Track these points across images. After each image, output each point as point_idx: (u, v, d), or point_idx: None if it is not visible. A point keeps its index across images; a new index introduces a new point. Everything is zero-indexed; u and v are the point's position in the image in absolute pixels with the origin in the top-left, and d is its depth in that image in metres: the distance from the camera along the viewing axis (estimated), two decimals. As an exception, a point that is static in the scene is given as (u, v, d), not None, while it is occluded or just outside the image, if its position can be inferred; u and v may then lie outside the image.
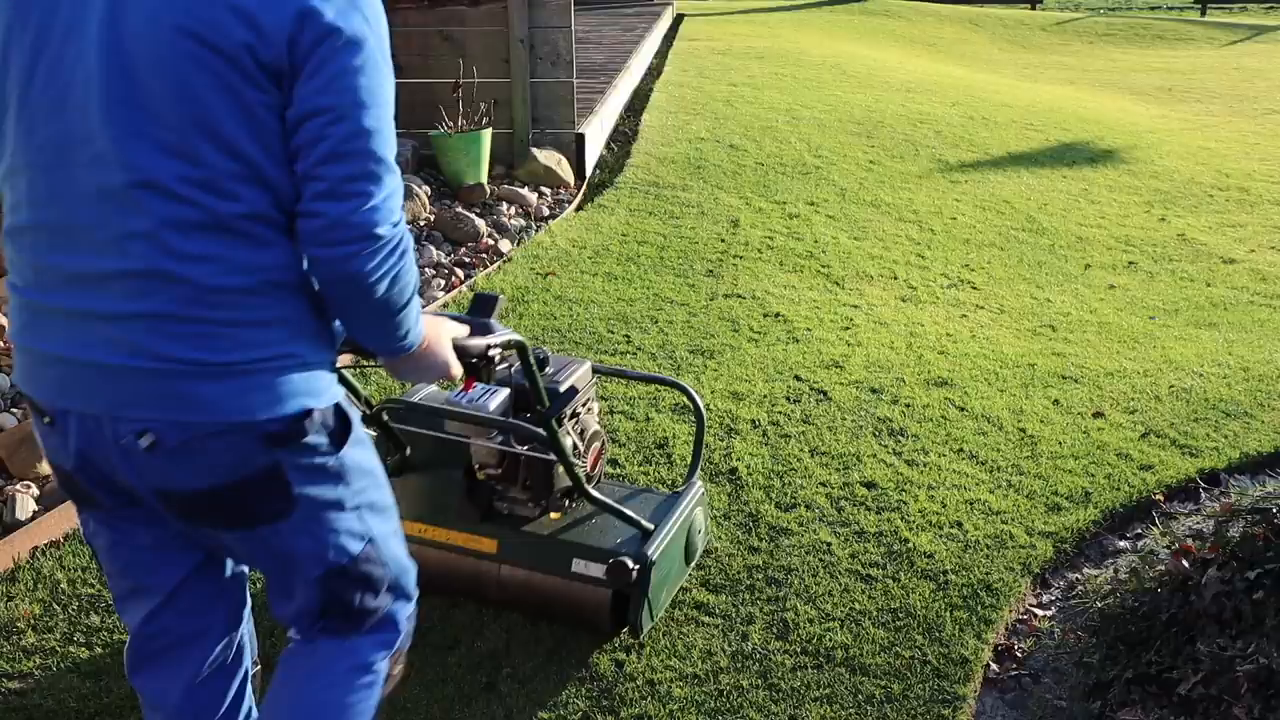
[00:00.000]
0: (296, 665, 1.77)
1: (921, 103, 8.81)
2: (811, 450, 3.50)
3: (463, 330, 1.88)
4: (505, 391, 2.56)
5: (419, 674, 2.50)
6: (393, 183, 1.50)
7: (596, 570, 2.55)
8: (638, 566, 2.52)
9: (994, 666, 2.64)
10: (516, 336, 2.06)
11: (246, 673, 1.92)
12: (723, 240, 5.48)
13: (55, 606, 2.69)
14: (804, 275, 5.11)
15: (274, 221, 1.51)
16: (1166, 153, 7.94)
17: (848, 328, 4.50)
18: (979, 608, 2.77)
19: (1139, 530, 3.20)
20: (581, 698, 2.45)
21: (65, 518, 2.96)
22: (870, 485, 3.31)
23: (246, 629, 1.92)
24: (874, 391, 3.92)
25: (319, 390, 1.59)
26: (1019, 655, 2.69)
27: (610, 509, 2.59)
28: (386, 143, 1.50)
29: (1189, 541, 2.78)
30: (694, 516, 2.77)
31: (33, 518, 2.96)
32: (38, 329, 1.56)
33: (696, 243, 5.44)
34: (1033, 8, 19.01)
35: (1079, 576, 2.98)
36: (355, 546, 1.69)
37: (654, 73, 9.73)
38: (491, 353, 1.96)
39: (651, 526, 2.60)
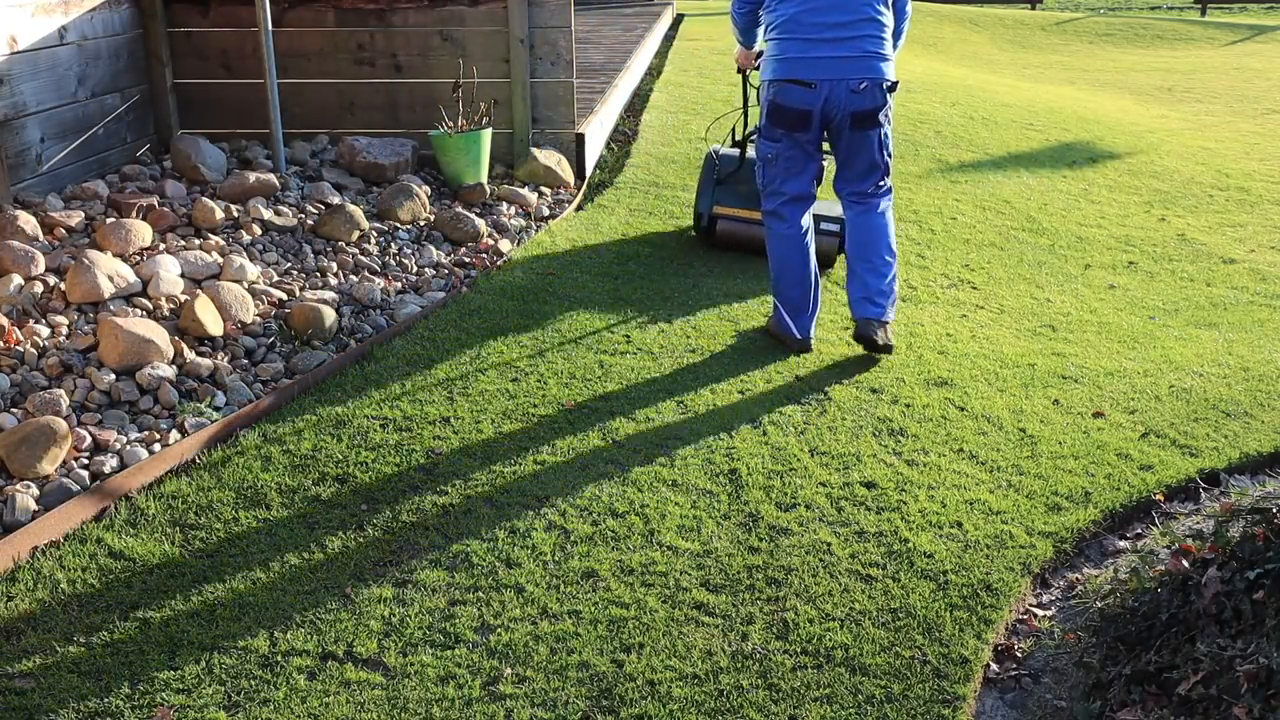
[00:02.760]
0: (865, 210, 4.24)
1: (921, 103, 8.81)
2: (811, 450, 3.51)
3: None
4: None
5: (419, 674, 2.50)
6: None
7: (833, 226, 5.05)
8: None
9: (994, 666, 2.64)
10: None
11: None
12: (723, 240, 5.47)
13: (55, 606, 2.69)
14: (804, 275, 5.12)
15: (889, 13, 4.11)
16: (1166, 153, 7.95)
17: (848, 328, 4.50)
18: (979, 608, 2.77)
19: (1139, 530, 3.20)
20: (581, 698, 2.45)
21: (65, 518, 2.96)
22: (870, 485, 3.32)
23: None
24: (874, 391, 3.92)
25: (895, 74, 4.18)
26: (1019, 655, 2.69)
27: None
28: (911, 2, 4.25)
29: (1189, 541, 2.78)
30: None
31: (33, 518, 2.96)
32: (811, 48, 3.99)
33: (696, 243, 5.44)
34: (1033, 8, 19.01)
35: (1079, 576, 2.99)
36: (891, 145, 4.16)
37: (654, 73, 9.73)
38: None
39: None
